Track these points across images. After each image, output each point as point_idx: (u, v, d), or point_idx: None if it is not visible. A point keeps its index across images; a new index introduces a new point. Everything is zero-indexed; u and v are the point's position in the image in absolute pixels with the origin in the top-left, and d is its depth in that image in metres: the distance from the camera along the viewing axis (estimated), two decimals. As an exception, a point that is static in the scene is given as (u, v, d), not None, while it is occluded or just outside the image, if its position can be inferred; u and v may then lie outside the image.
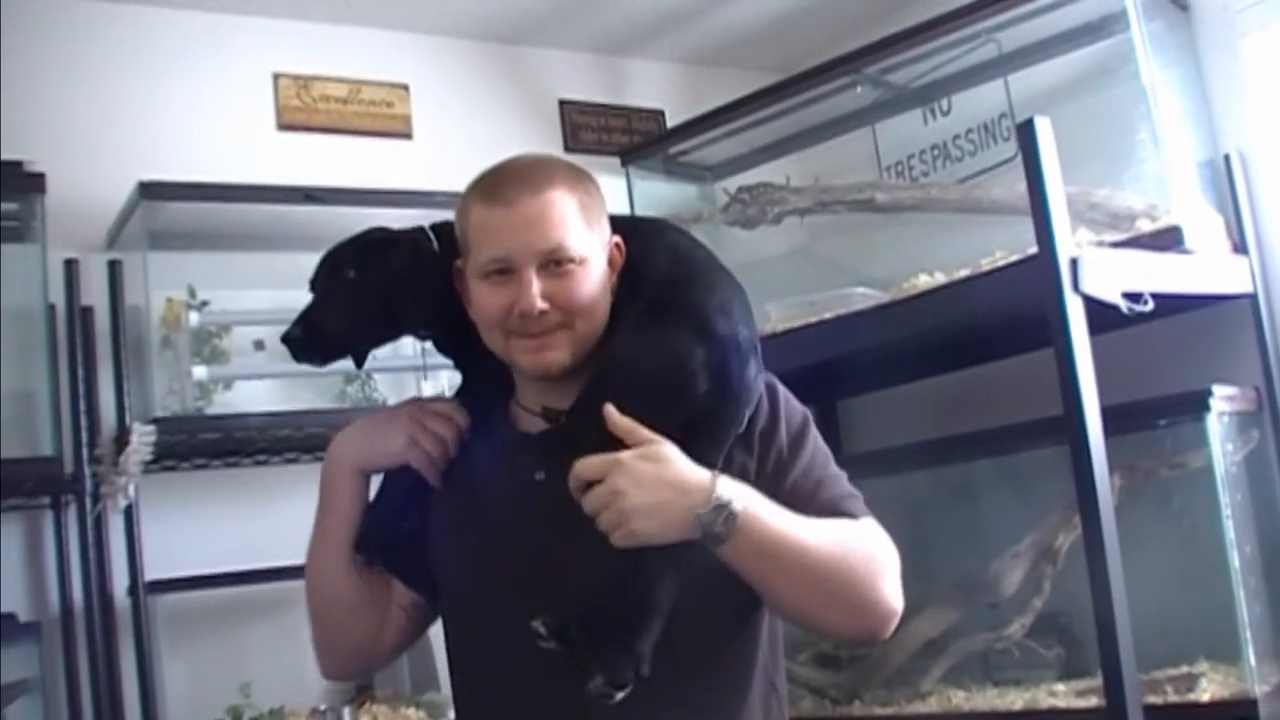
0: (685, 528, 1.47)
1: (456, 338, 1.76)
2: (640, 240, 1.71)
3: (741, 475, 1.59)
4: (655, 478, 1.47)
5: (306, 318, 1.70)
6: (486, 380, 1.77)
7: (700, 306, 1.62)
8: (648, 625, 1.47)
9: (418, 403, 1.77)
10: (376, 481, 1.76)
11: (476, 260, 1.64)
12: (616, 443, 1.50)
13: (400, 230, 1.77)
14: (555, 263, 1.61)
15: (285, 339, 1.70)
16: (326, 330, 1.69)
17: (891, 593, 1.60)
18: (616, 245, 1.69)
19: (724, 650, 1.63)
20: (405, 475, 1.71)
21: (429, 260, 1.71)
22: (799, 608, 1.60)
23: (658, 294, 1.65)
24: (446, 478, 1.71)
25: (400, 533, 1.74)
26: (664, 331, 1.60)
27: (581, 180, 1.68)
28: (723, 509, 1.46)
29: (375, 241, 1.73)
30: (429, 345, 1.90)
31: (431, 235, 1.74)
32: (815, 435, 1.71)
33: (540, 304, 1.60)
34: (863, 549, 1.59)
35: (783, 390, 1.72)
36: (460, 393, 1.83)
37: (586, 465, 1.48)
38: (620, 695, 1.45)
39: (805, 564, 1.53)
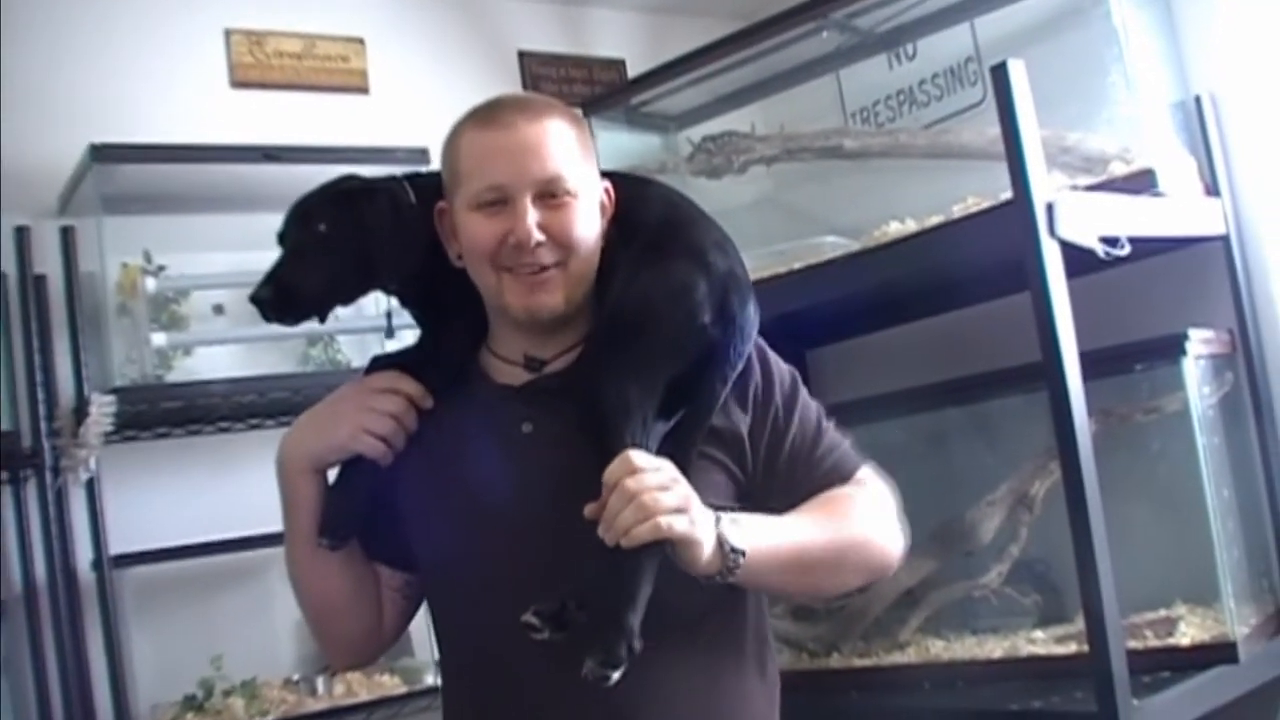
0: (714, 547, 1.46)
1: (426, 291, 1.69)
2: (630, 189, 1.68)
3: (735, 433, 1.62)
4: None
5: (277, 276, 1.62)
6: (460, 332, 1.70)
7: (699, 244, 1.60)
8: (635, 601, 1.43)
9: (358, 384, 1.68)
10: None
11: (470, 190, 1.58)
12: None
13: (374, 178, 1.69)
14: (551, 194, 1.57)
15: (254, 299, 1.62)
16: (298, 288, 1.61)
17: (894, 540, 1.68)
18: (607, 191, 1.66)
19: (714, 612, 1.61)
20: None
21: (408, 209, 1.64)
22: (807, 595, 1.64)
23: (654, 236, 1.62)
24: (416, 442, 1.65)
25: (369, 514, 1.67)
26: (666, 267, 1.58)
27: (577, 118, 1.66)
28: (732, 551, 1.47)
29: (350, 191, 1.66)
30: (394, 304, 1.84)
31: (408, 187, 1.67)
32: (805, 392, 1.71)
33: (537, 234, 1.55)
34: (862, 523, 1.63)
35: (769, 350, 1.71)
36: (418, 347, 1.74)
37: (642, 455, 1.45)
38: (616, 675, 1.41)
39: (809, 566, 1.57)
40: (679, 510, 1.42)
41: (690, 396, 1.56)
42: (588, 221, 1.60)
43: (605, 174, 1.68)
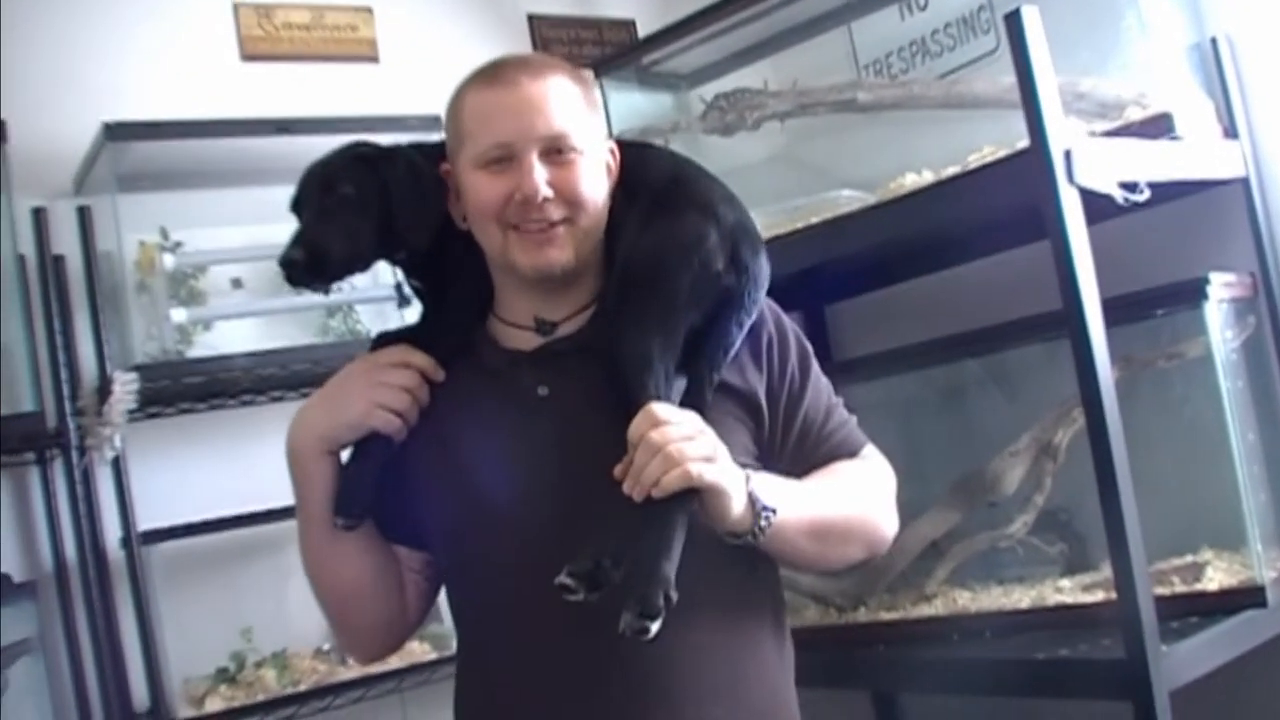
0: (744, 504, 1.47)
1: (431, 260, 1.68)
2: (634, 152, 1.69)
3: (753, 394, 1.62)
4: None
5: (304, 239, 1.60)
6: (467, 300, 1.69)
7: (707, 197, 1.61)
8: (670, 550, 1.42)
9: (367, 360, 1.66)
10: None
11: (475, 148, 1.58)
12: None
13: (383, 145, 1.69)
14: (558, 151, 1.56)
15: (284, 261, 1.58)
16: (328, 249, 1.59)
17: (891, 522, 1.70)
18: (612, 152, 1.66)
19: (733, 576, 1.60)
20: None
21: (426, 171, 1.64)
22: (812, 565, 1.65)
23: (661, 193, 1.62)
24: (427, 416, 1.63)
25: (385, 494, 1.64)
26: (676, 219, 1.58)
27: (582, 76, 1.65)
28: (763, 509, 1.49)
29: (367, 155, 1.65)
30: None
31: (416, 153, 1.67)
32: (817, 364, 1.72)
33: (545, 190, 1.54)
34: (866, 497, 1.66)
35: (783, 313, 1.72)
36: (423, 320, 1.74)
37: (667, 408, 1.45)
38: (655, 627, 1.39)
39: (823, 534, 1.59)
40: (708, 459, 1.42)
41: (707, 343, 1.57)
42: (595, 178, 1.60)
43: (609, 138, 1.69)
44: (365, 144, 1.68)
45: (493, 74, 1.60)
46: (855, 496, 1.65)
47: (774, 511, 1.48)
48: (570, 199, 1.57)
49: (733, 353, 1.59)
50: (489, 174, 1.57)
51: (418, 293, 1.77)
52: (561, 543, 1.46)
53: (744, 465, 1.53)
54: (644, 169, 1.66)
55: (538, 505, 1.56)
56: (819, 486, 1.62)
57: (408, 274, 1.78)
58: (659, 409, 1.43)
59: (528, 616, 1.52)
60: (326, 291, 1.66)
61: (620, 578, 1.42)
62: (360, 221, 1.61)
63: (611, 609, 1.40)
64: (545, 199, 1.55)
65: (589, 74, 1.68)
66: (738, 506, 1.45)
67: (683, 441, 1.41)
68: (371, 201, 1.61)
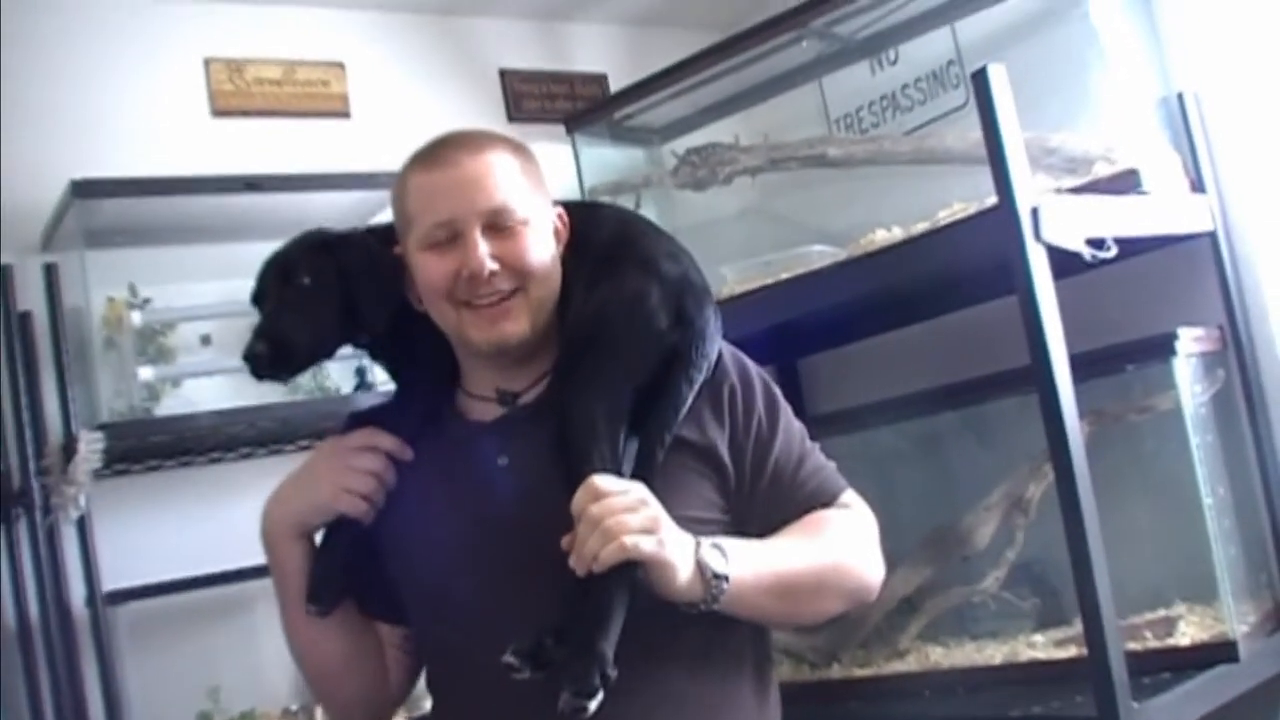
0: (692, 573, 1.44)
1: (398, 339, 1.69)
2: (581, 213, 1.69)
3: (711, 448, 1.60)
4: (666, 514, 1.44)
5: (267, 332, 1.61)
6: (431, 378, 1.70)
7: (649, 254, 1.61)
8: (606, 627, 1.41)
9: (334, 444, 1.68)
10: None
11: (419, 230, 1.58)
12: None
13: (340, 230, 1.71)
14: (501, 224, 1.57)
15: (248, 356, 1.61)
16: (291, 341, 1.61)
17: (874, 569, 1.65)
18: (560, 218, 1.66)
19: (707, 633, 1.57)
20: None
21: (383, 254, 1.65)
22: (787, 622, 1.63)
23: (605, 252, 1.62)
24: (398, 492, 1.64)
25: (359, 573, 1.66)
26: (617, 279, 1.58)
27: (521, 148, 1.65)
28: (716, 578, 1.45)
29: (325, 242, 1.67)
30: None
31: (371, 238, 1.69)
32: (789, 410, 1.69)
33: (490, 264, 1.55)
34: (843, 548, 1.61)
35: (750, 361, 1.70)
36: (396, 399, 1.75)
37: (608, 479, 1.43)
38: (593, 705, 1.38)
39: (791, 592, 1.55)
40: (645, 531, 1.39)
41: (657, 403, 1.55)
42: (541, 247, 1.60)
43: (557, 202, 1.69)
44: (322, 231, 1.70)
45: (431, 155, 1.61)
46: (826, 548, 1.60)
47: (726, 579, 1.45)
48: (518, 269, 1.57)
49: (684, 410, 1.57)
50: (435, 254, 1.58)
51: (389, 373, 1.79)
52: (520, 613, 1.47)
53: (707, 521, 1.52)
54: (591, 230, 1.66)
55: (497, 576, 1.55)
56: (784, 543, 1.58)
57: (373, 357, 1.79)
58: (600, 481, 1.42)
59: (492, 686, 1.50)
60: (287, 381, 1.69)
61: (561, 655, 1.42)
62: (320, 310, 1.62)
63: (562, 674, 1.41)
64: (492, 272, 1.55)
65: (527, 147, 1.68)
66: (683, 576, 1.43)
67: (623, 513, 1.39)
68: (330, 289, 1.62)
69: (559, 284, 1.62)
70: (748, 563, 1.49)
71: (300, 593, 1.63)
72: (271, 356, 1.60)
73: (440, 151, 1.60)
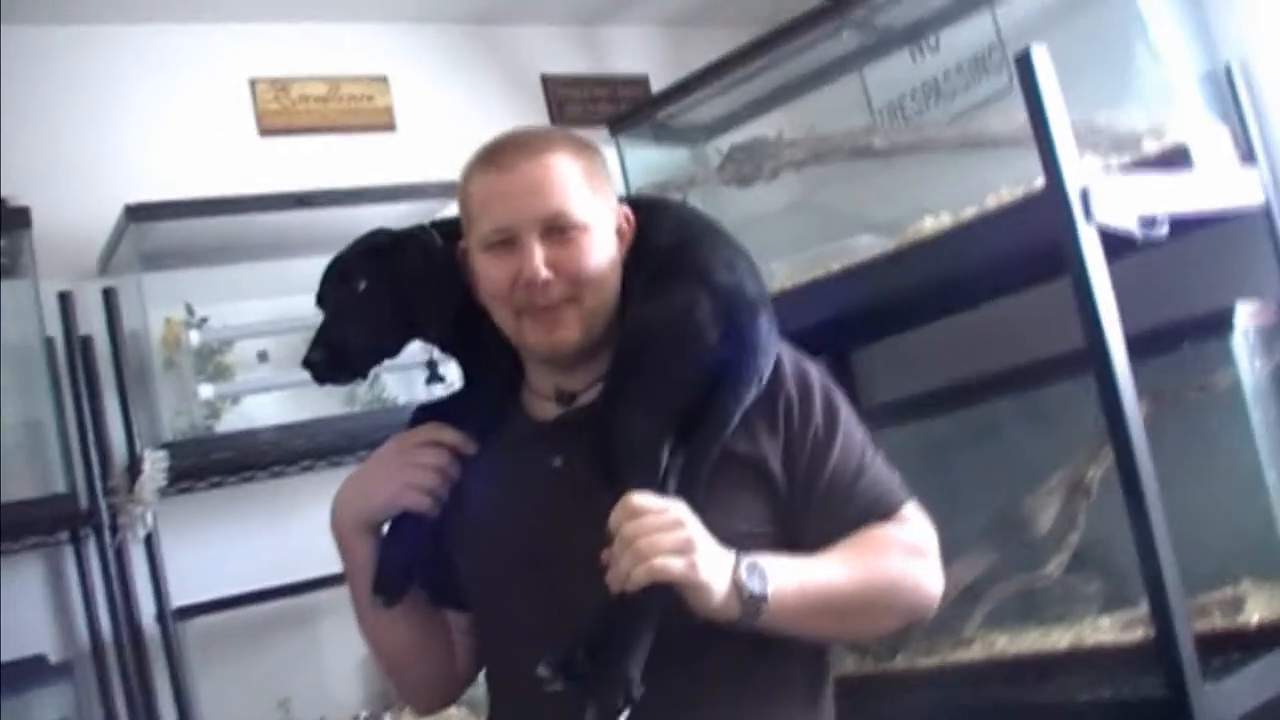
0: (728, 592, 1.42)
1: (463, 334, 1.69)
2: (644, 213, 1.67)
3: (763, 460, 1.57)
4: (705, 533, 1.43)
5: (324, 338, 1.64)
6: (496, 374, 1.70)
7: (702, 264, 1.58)
8: (634, 649, 1.40)
9: (400, 440, 1.68)
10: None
11: (478, 232, 1.59)
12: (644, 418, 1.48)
13: (401, 230, 1.71)
14: (558, 229, 1.56)
15: (307, 363, 1.63)
16: (347, 346, 1.63)
17: (932, 584, 1.60)
18: (625, 217, 1.65)
19: (754, 651, 1.54)
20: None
21: (439, 255, 1.65)
22: (841, 638, 1.60)
23: (661, 262, 1.60)
24: (462, 488, 1.65)
25: (426, 562, 1.67)
26: (668, 292, 1.56)
27: (585, 148, 1.64)
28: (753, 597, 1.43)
29: (380, 246, 1.67)
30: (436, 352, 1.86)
31: (434, 233, 1.68)
32: (852, 418, 1.64)
33: (544, 272, 1.54)
34: (896, 564, 1.56)
35: (812, 368, 1.66)
36: (463, 393, 1.76)
37: (645, 498, 1.42)
38: None
39: (839, 610, 1.52)
40: (677, 552, 1.38)
41: (705, 417, 1.53)
42: (600, 253, 1.58)
43: (624, 199, 1.68)
44: (381, 232, 1.70)
45: (491, 157, 1.60)
46: (876, 565, 1.55)
47: (764, 599, 1.42)
48: (573, 278, 1.56)
49: (731, 426, 1.55)
50: (494, 257, 1.58)
51: (460, 366, 1.79)
52: (564, 619, 1.47)
53: (757, 535, 1.51)
54: (653, 232, 1.64)
55: (544, 580, 1.56)
56: (832, 560, 1.53)
57: (443, 350, 1.80)
58: (636, 500, 1.41)
59: (535, 689, 1.47)
60: (351, 382, 1.71)
61: (591, 670, 1.42)
62: (376, 314, 1.64)
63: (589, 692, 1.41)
64: (546, 280, 1.55)
65: (592, 145, 1.67)
66: (718, 596, 1.40)
67: (656, 533, 1.38)
68: (386, 293, 1.64)
69: (617, 288, 1.61)
70: (789, 582, 1.46)
71: (368, 585, 1.64)
72: (329, 362, 1.63)
73: (500, 153, 1.59)
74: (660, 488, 1.46)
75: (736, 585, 1.42)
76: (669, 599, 1.41)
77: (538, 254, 1.55)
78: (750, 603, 1.42)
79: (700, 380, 1.53)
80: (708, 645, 1.48)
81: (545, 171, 1.57)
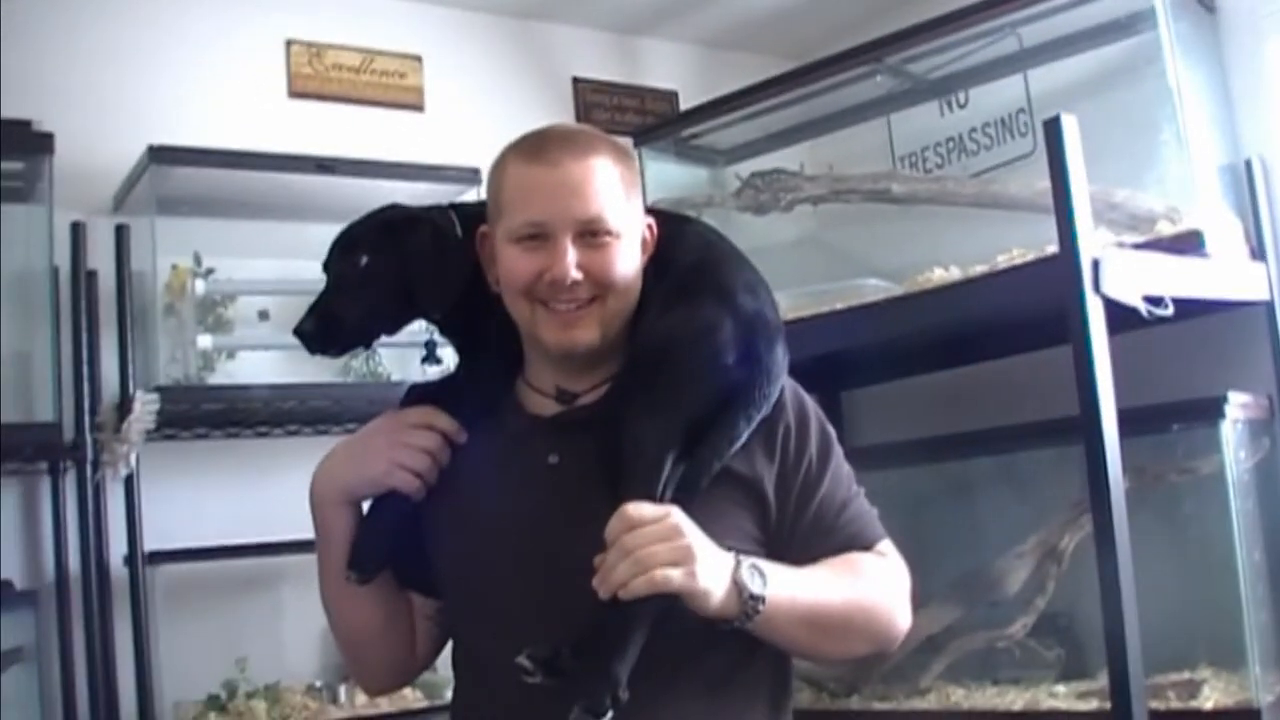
0: (727, 592, 1.44)
1: (466, 320, 1.69)
2: (669, 226, 1.68)
3: (758, 482, 1.59)
4: (702, 538, 1.45)
5: (318, 309, 1.62)
6: (495, 363, 1.70)
7: (728, 285, 1.60)
8: (625, 652, 1.42)
9: (393, 418, 1.67)
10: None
11: (510, 222, 1.58)
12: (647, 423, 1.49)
13: (420, 208, 1.69)
14: (592, 233, 1.56)
15: (298, 332, 1.62)
16: (341, 320, 1.61)
17: (902, 618, 1.63)
18: (650, 227, 1.65)
19: (729, 655, 1.57)
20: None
21: (452, 238, 1.64)
22: (812, 655, 1.62)
23: (685, 277, 1.61)
24: (447, 472, 1.65)
25: (401, 543, 1.66)
26: (692, 307, 1.57)
27: (624, 154, 1.64)
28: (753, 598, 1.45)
29: (391, 221, 1.65)
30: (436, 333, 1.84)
31: (454, 217, 1.66)
32: (840, 454, 1.68)
33: (574, 274, 1.54)
34: (876, 591, 1.60)
35: (810, 401, 1.68)
36: (455, 376, 1.76)
37: (644, 507, 1.44)
38: None
39: (822, 624, 1.54)
40: (676, 562, 1.40)
41: (712, 432, 1.55)
42: (627, 261, 1.59)
43: (648, 210, 1.68)
44: (396, 207, 1.69)
45: (536, 149, 1.59)
46: (859, 587, 1.59)
47: (762, 601, 1.45)
48: (600, 282, 1.57)
49: (738, 444, 1.57)
50: (522, 249, 1.57)
51: (456, 350, 1.78)
52: (544, 613, 1.49)
53: (744, 553, 1.51)
54: (676, 247, 1.65)
55: (528, 573, 1.56)
56: (820, 574, 1.57)
57: (442, 332, 1.79)
58: (634, 510, 1.42)
59: (508, 680, 1.50)
60: (367, 348, 1.70)
61: (576, 668, 1.44)
62: (374, 291, 1.62)
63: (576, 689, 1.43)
64: (575, 282, 1.55)
65: (630, 152, 1.67)
66: (717, 598, 1.43)
67: (656, 544, 1.40)
68: (387, 271, 1.62)
69: (637, 296, 1.62)
70: (785, 588, 1.49)
71: (340, 559, 1.63)
72: (320, 333, 1.61)
73: (545, 147, 1.59)
74: (659, 500, 1.48)
75: (737, 585, 1.44)
76: (665, 605, 1.42)
77: (570, 255, 1.55)
78: (750, 603, 1.45)
79: (715, 397, 1.55)
80: (681, 647, 1.49)
81: (588, 173, 1.57)
